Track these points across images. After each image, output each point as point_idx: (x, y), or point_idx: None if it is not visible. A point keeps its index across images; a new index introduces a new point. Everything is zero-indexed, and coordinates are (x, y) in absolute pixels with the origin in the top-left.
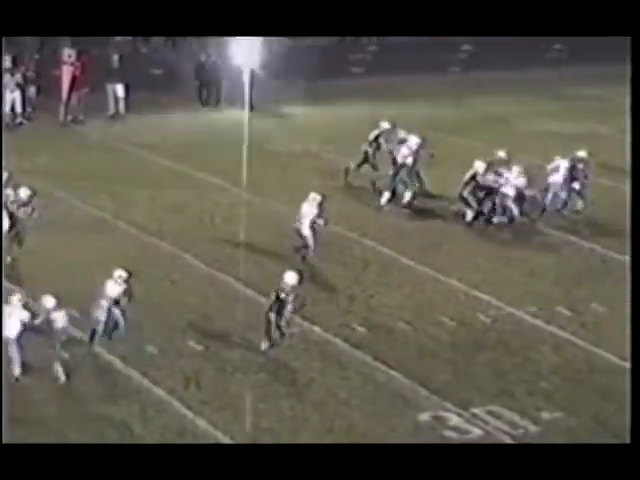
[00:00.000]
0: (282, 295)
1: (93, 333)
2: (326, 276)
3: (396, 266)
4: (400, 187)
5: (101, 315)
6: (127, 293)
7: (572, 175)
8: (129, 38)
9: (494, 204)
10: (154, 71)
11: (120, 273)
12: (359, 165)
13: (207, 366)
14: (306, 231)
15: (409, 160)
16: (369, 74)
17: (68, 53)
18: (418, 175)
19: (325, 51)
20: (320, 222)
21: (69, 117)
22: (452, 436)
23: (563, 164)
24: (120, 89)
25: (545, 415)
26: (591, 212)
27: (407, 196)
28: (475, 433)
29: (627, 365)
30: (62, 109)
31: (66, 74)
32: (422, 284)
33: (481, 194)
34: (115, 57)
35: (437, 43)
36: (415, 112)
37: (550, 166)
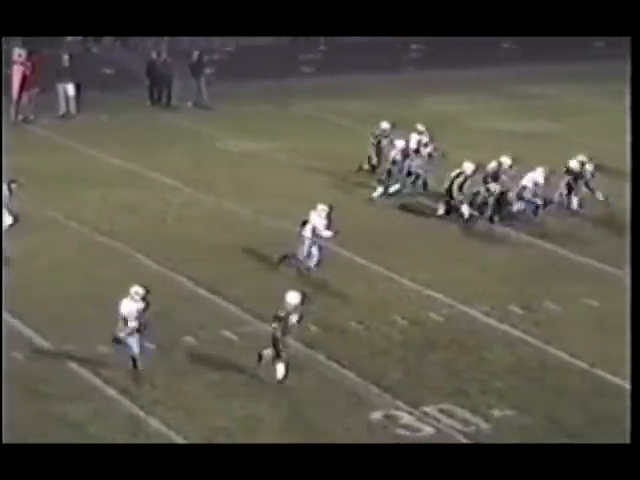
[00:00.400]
0: (281, 314)
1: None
2: (279, 275)
3: (349, 265)
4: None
5: (127, 338)
6: (144, 311)
7: (577, 177)
8: (80, 38)
9: (499, 202)
10: (105, 70)
11: (137, 289)
12: (367, 168)
13: (160, 365)
14: (307, 233)
15: (398, 156)
16: (319, 74)
17: (18, 52)
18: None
19: (276, 51)
20: (328, 234)
21: (20, 117)
22: (405, 434)
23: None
24: (71, 89)
25: (497, 413)
26: (545, 210)
27: (376, 192)
28: (427, 431)
29: (580, 364)
30: (13, 109)
31: (16, 74)
32: (374, 283)
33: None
34: (66, 57)
35: (387, 43)
36: (366, 111)
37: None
